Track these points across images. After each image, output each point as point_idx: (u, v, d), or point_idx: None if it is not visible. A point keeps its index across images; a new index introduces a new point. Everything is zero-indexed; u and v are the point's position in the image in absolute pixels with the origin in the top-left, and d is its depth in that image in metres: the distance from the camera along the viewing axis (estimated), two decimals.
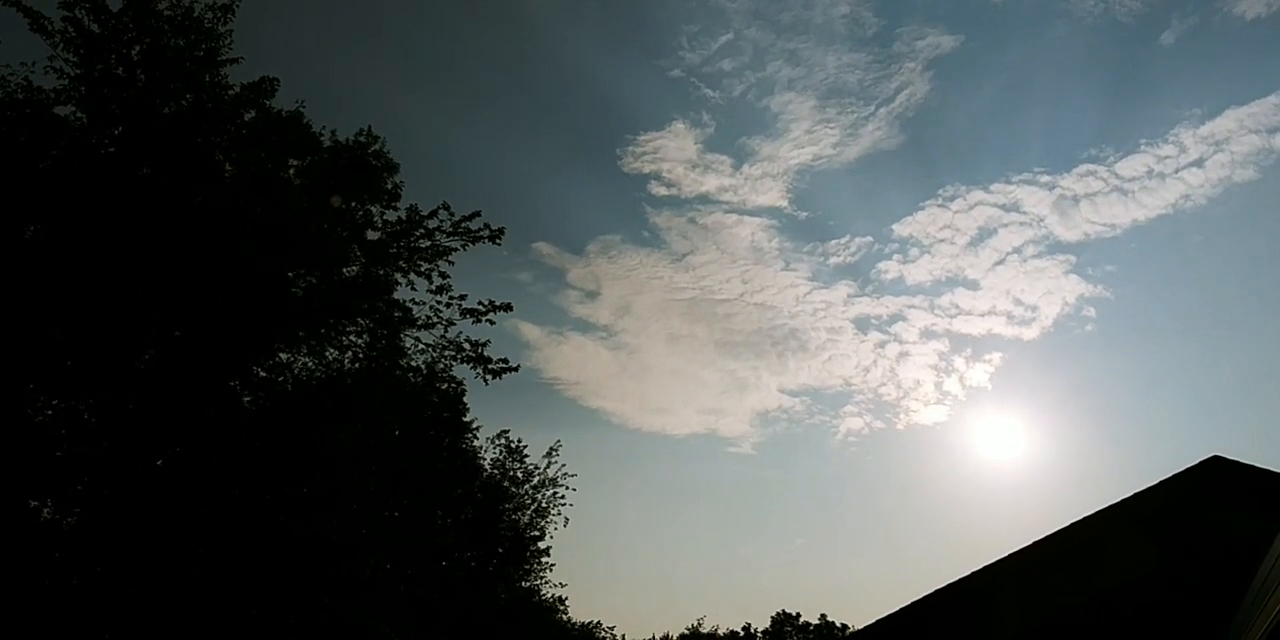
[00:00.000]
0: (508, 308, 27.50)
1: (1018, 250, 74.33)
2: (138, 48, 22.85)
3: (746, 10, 63.96)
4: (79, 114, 22.91)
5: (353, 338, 27.16)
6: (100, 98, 22.66)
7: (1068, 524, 16.86)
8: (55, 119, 22.60)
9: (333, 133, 25.44)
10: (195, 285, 23.83)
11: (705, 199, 67.51)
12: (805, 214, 71.15)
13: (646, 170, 64.91)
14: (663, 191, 67.51)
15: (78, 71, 22.65)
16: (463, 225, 26.58)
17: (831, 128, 67.07)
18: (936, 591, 16.84)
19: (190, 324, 24.77)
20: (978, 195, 72.73)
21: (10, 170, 22.24)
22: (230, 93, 23.72)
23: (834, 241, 73.05)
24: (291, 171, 24.91)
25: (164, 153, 23.10)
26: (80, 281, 23.07)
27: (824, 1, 64.44)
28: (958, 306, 76.95)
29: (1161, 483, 16.57)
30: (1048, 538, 16.74)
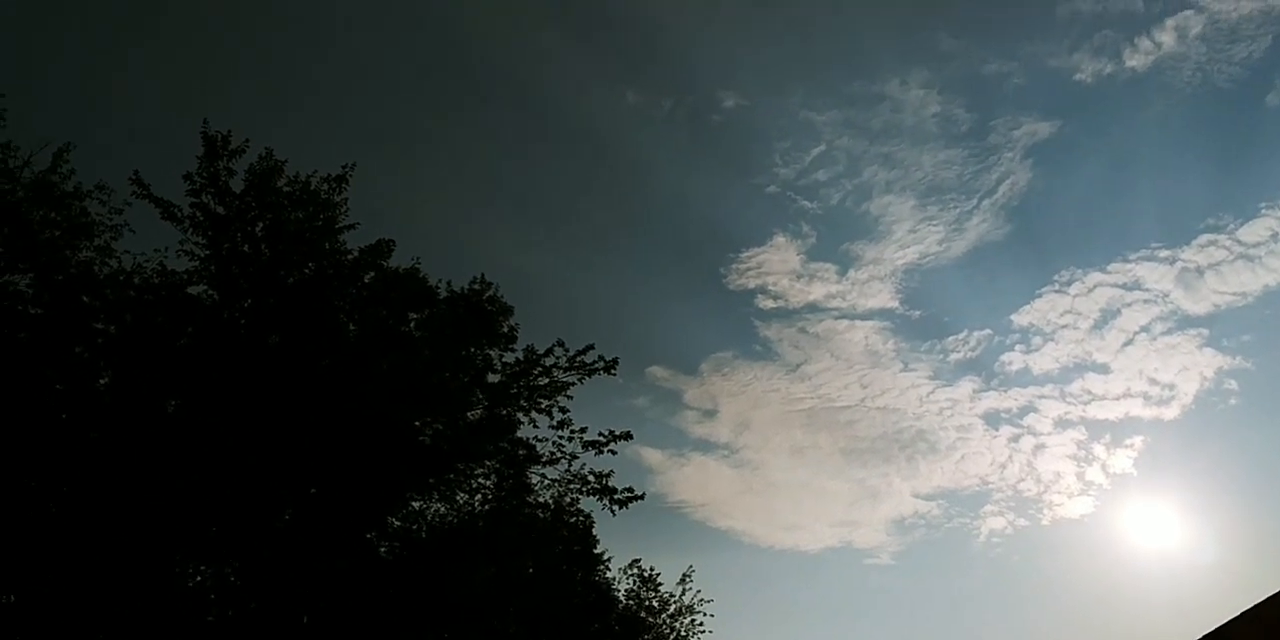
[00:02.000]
0: (628, 436, 27.72)
1: (1146, 329, 72.32)
2: (261, 224, 24.14)
3: (836, 121, 65.04)
4: (210, 292, 24.13)
5: (481, 480, 27.53)
6: (229, 275, 23.83)
7: (1236, 615, 16.21)
8: (189, 298, 23.80)
9: (448, 283, 26.40)
10: (328, 443, 24.44)
11: (814, 307, 67.54)
12: (918, 313, 70.46)
13: (752, 285, 65.52)
14: (770, 304, 67.82)
15: (207, 252, 23.97)
16: (578, 359, 27.09)
17: (935, 225, 66.97)
18: None
19: (325, 481, 25.31)
20: (1096, 277, 71.27)
21: (151, 350, 23.33)
22: (349, 257, 24.81)
23: (952, 338, 71.89)
24: (412, 324, 25.72)
25: (291, 320, 24.05)
26: (219, 451, 23.83)
27: (913, 103, 65.07)
28: (1090, 392, 74.49)
29: None
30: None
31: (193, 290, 24.13)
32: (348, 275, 24.78)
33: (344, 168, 25.04)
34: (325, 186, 24.75)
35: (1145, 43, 62.35)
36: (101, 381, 23.97)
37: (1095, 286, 70.80)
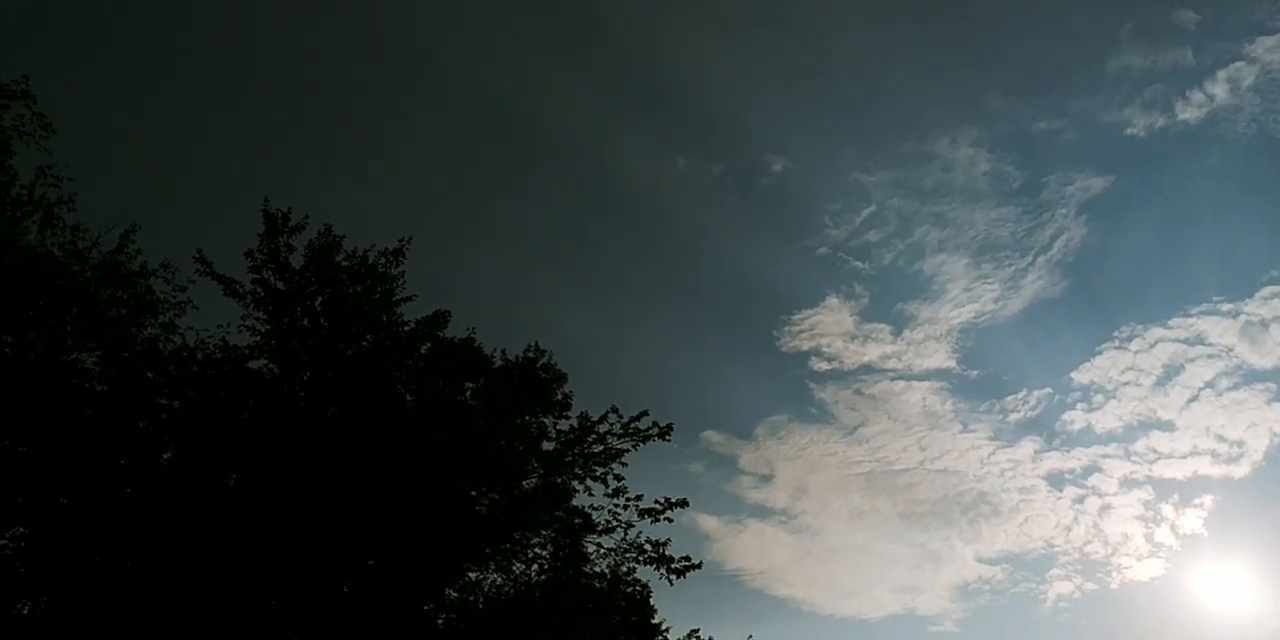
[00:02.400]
0: (683, 504, 27.63)
1: (1210, 384, 70.74)
2: (320, 298, 24.69)
3: (886, 182, 65.47)
4: (271, 365, 24.60)
5: (537, 549, 27.42)
6: (289, 349, 24.31)
7: None
8: (250, 373, 24.27)
9: (503, 352, 26.74)
10: (386, 515, 24.54)
11: (869, 369, 67.04)
12: (976, 372, 69.63)
13: (805, 347, 65.31)
14: (824, 366, 67.37)
15: (267, 327, 24.49)
16: (632, 426, 27.13)
17: (990, 283, 66.53)
18: None
19: (384, 552, 25.35)
20: (1157, 332, 70.05)
21: (213, 424, 23.72)
22: (406, 328, 25.25)
23: (1011, 397, 70.74)
24: (468, 394, 25.98)
25: (349, 392, 24.38)
26: (279, 523, 24.01)
27: (963, 162, 65.31)
28: (1156, 451, 72.67)
29: None
30: None
31: (254, 364, 24.64)
32: (405, 347, 25.17)
33: (401, 241, 25.64)
34: (383, 260, 25.29)
35: (1198, 95, 62.35)
36: (165, 456, 24.35)
37: (1157, 342, 69.72)
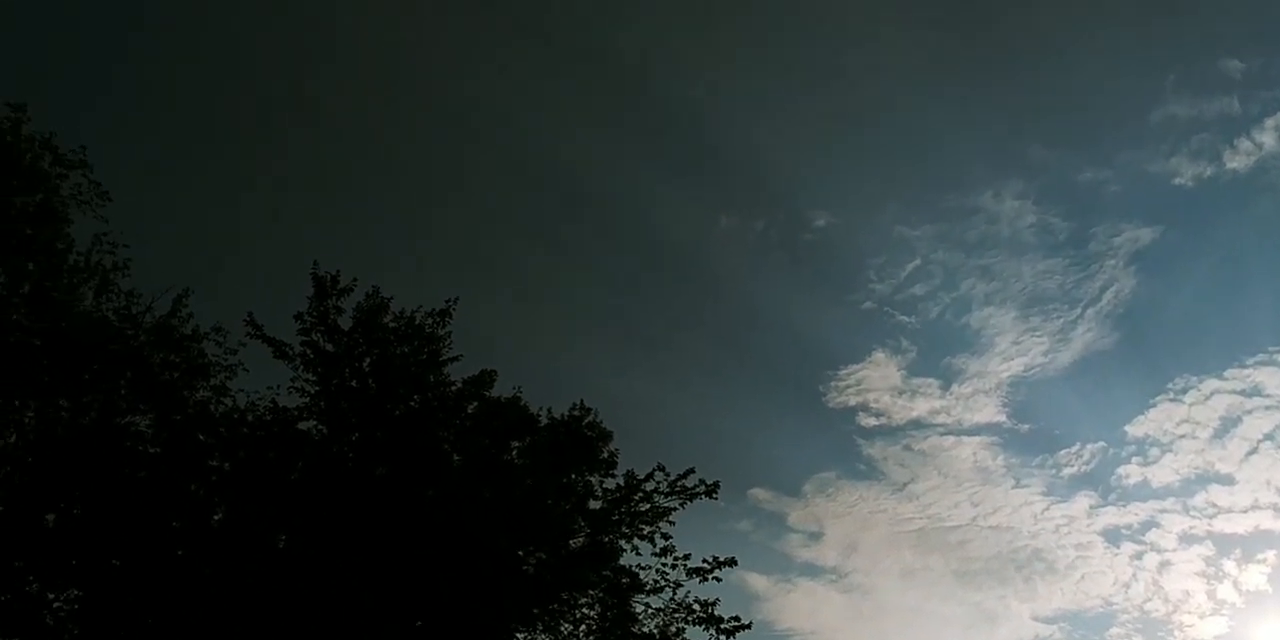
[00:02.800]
0: (732, 563, 27.36)
1: (1270, 436, 68.98)
2: (368, 359, 25.01)
3: (930, 235, 65.30)
4: (320, 426, 24.84)
5: (585, 609, 27.19)
6: (338, 410, 24.55)
7: None
8: (299, 434, 24.52)
9: (548, 410, 26.81)
10: (434, 575, 24.49)
11: (918, 424, 66.30)
12: (1027, 426, 68.54)
13: (853, 403, 64.74)
14: (872, 422, 66.72)
15: (316, 388, 24.74)
16: (678, 484, 27.03)
17: (1039, 336, 65.83)
18: None
19: (433, 613, 25.26)
20: (1212, 384, 68.54)
21: (263, 486, 23.93)
22: (453, 388, 25.46)
23: (1064, 451, 69.44)
24: (514, 453, 26.04)
25: (397, 452, 24.53)
26: (328, 584, 24.02)
27: (1008, 214, 65.01)
28: (1215, 505, 70.74)
29: None
30: None
31: (303, 426, 24.89)
32: (452, 406, 25.34)
33: (447, 302, 25.92)
34: (429, 321, 25.55)
35: (1245, 144, 61.77)
36: (215, 517, 24.54)
37: (1212, 394, 68.32)
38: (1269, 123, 61.45)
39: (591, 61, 57.82)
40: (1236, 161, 62.39)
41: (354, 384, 24.85)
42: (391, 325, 25.24)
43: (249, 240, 50.03)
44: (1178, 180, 63.19)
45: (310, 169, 55.16)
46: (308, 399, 24.86)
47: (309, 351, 24.83)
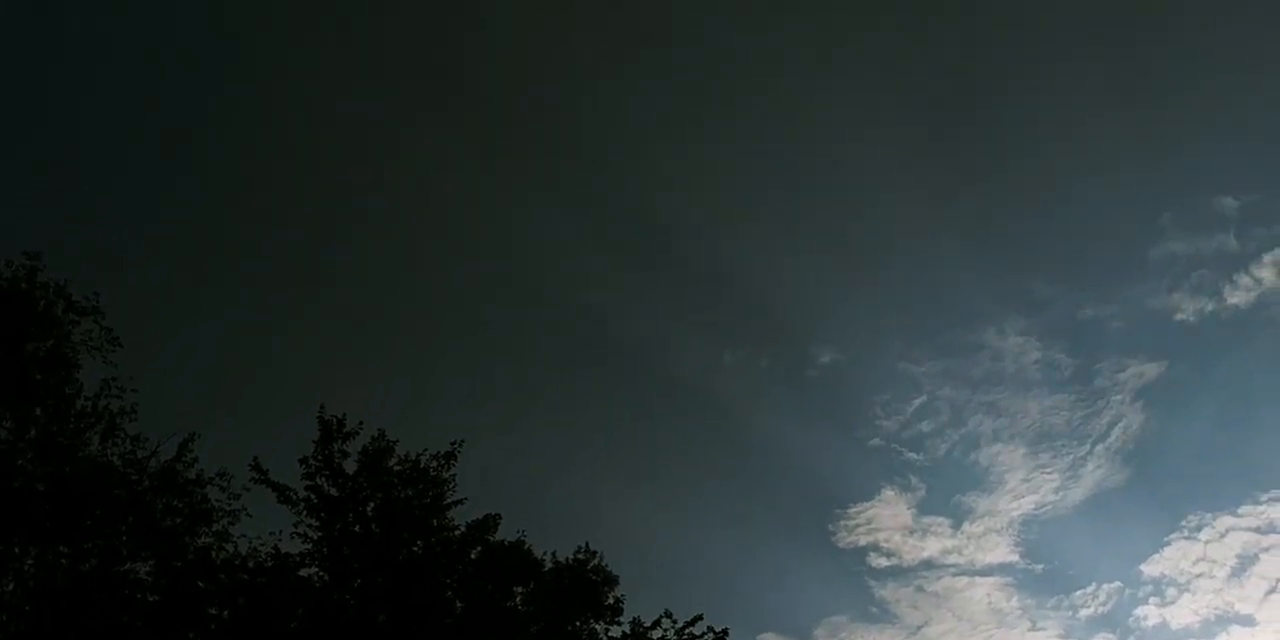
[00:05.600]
0: None
1: None
2: (372, 504, 24.86)
3: (935, 372, 65.71)
4: (322, 573, 24.46)
5: None
6: (341, 556, 24.31)
7: None
8: (300, 581, 24.16)
9: (553, 554, 26.50)
10: None
11: (930, 564, 65.14)
12: (1041, 566, 67.28)
13: (863, 543, 63.81)
14: (883, 562, 65.58)
15: (319, 534, 24.51)
16: (686, 631, 26.60)
17: (1049, 473, 65.37)
18: None
19: None
20: (1227, 521, 67.48)
21: (262, 634, 23.39)
22: (457, 532, 25.27)
23: (1079, 592, 67.86)
24: (518, 599, 25.61)
25: (399, 599, 24.16)
26: None
27: (1013, 350, 65.52)
28: None
29: None
30: None
31: (305, 572, 24.50)
32: (455, 552, 25.08)
33: (453, 444, 25.93)
34: (435, 464, 25.53)
35: (1245, 279, 62.59)
36: None
37: (1228, 531, 67.17)
38: (1267, 258, 62.46)
39: (611, 209, 59.67)
40: (1237, 297, 63.14)
41: (357, 529, 24.62)
42: (396, 468, 25.18)
43: (261, 380, 50.38)
44: (1180, 316, 63.81)
45: (328, 313, 56.00)
46: (310, 545, 24.59)
47: (313, 496, 24.68)
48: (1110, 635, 71.01)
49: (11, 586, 22.80)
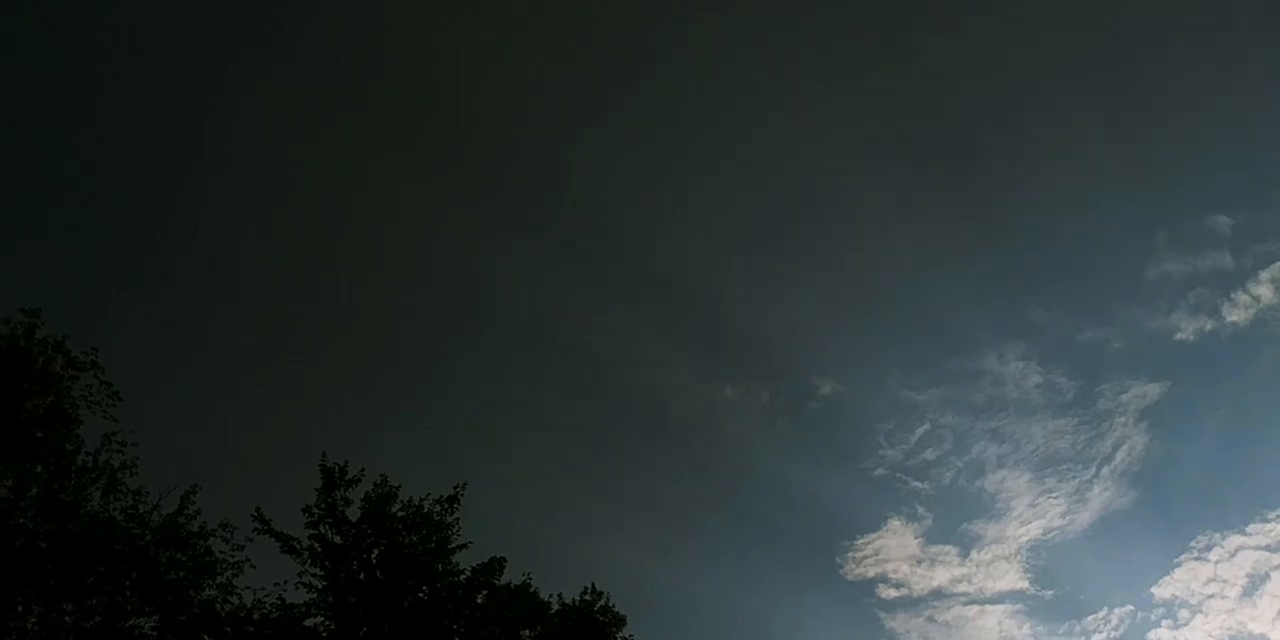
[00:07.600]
0: None
1: None
2: (376, 551, 24.73)
3: (937, 400, 65.51)
4: (328, 622, 24.25)
5: None
6: (346, 604, 24.17)
7: None
8: (306, 631, 23.93)
9: (559, 595, 26.31)
10: None
11: (939, 594, 64.57)
12: (1051, 592, 66.63)
13: (871, 574, 63.28)
14: (892, 593, 65.01)
15: (324, 583, 24.31)
16: None
17: (1055, 497, 64.95)
18: None
19: None
20: (1236, 540, 67.03)
21: None
22: (462, 577, 25.09)
23: (1091, 617, 67.18)
24: None
25: None
26: None
27: (1014, 376, 65.40)
28: None
29: None
30: None
31: (310, 622, 24.28)
32: (461, 596, 24.95)
33: (455, 488, 25.86)
34: (438, 508, 25.47)
35: (1243, 297, 62.59)
36: None
37: (1237, 550, 66.69)
38: (1264, 275, 62.55)
39: (612, 252, 59.94)
40: (1236, 315, 63.14)
41: (362, 576, 24.48)
42: (400, 514, 25.11)
43: (262, 430, 50.24)
44: (1179, 335, 63.73)
45: (333, 358, 56.05)
46: (315, 594, 24.43)
47: (317, 545, 24.56)
48: None
49: None
